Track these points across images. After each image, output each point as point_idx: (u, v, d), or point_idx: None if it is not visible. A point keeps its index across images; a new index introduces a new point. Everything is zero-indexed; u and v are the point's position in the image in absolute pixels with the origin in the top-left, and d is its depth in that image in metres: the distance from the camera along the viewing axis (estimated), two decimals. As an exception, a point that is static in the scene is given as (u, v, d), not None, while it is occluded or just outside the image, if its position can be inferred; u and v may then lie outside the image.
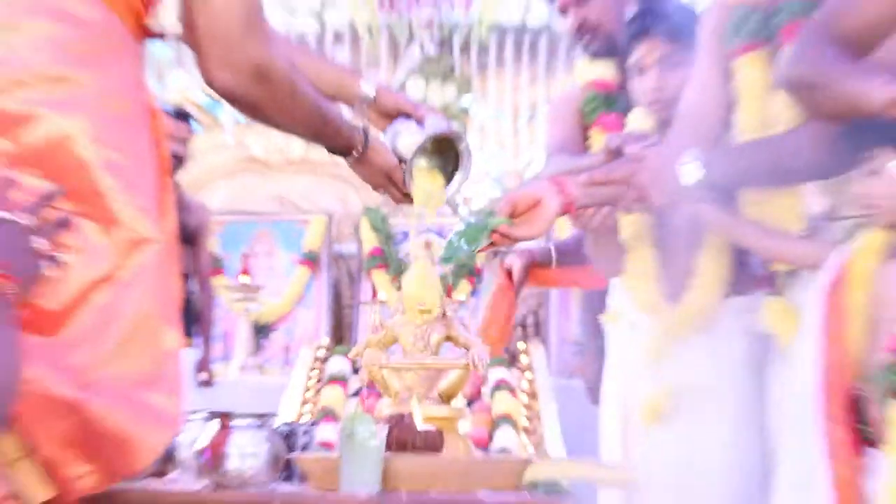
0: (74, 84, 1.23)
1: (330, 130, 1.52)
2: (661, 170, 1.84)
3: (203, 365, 4.20)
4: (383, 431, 1.36)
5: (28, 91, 1.21)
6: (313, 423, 1.74)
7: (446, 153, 1.62)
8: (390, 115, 1.64)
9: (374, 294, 5.68)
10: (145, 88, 1.35)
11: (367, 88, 1.64)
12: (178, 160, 3.73)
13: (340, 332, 5.92)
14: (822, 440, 1.64)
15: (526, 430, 4.39)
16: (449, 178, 1.64)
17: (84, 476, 1.22)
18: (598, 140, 2.48)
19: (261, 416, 1.45)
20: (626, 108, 2.37)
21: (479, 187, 5.52)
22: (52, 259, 1.18)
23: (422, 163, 1.59)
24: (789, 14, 1.81)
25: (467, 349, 1.51)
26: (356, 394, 4.67)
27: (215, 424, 1.44)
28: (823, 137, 1.74)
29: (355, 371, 4.71)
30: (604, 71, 2.53)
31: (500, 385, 4.60)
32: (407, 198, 1.64)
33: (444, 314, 1.52)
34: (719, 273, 2.03)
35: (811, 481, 1.64)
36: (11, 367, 1.05)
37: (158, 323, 1.28)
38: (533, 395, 4.72)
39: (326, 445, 1.88)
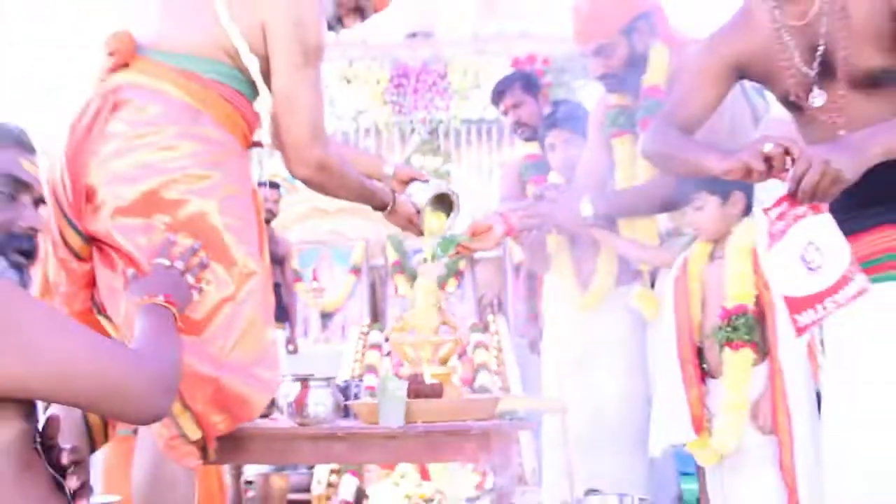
0: (209, 179, 1.25)
1: (369, 196, 1.50)
2: (569, 207, 1.88)
3: (290, 340, 4.17)
4: (405, 385, 1.34)
5: (182, 185, 1.23)
6: (361, 377, 1.71)
7: (443, 202, 1.61)
8: (405, 182, 1.63)
9: (396, 290, 5.67)
10: (250, 178, 1.37)
11: (388, 168, 1.63)
12: (272, 214, 3.71)
13: (376, 316, 5.87)
14: (679, 375, 1.65)
15: (496, 373, 4.38)
16: (446, 216, 1.62)
17: (220, 422, 1.24)
18: (531, 190, 2.49)
19: (327, 378, 1.43)
20: (546, 171, 2.39)
21: (459, 221, 5.49)
22: (197, 289, 1.20)
23: (429, 210, 1.58)
24: (644, 111, 1.84)
25: (455, 330, 1.49)
26: (387, 354, 4.65)
27: (299, 384, 1.43)
28: (668, 186, 1.76)
29: (386, 340, 4.69)
30: (532, 148, 2.55)
31: (478, 345, 4.58)
32: (421, 233, 1.62)
33: (440, 308, 1.50)
34: (611, 271, 2.03)
35: (674, 401, 1.66)
36: (176, 356, 1.05)
37: (262, 324, 1.28)
38: (500, 350, 4.71)
39: (370, 389, 1.87)
